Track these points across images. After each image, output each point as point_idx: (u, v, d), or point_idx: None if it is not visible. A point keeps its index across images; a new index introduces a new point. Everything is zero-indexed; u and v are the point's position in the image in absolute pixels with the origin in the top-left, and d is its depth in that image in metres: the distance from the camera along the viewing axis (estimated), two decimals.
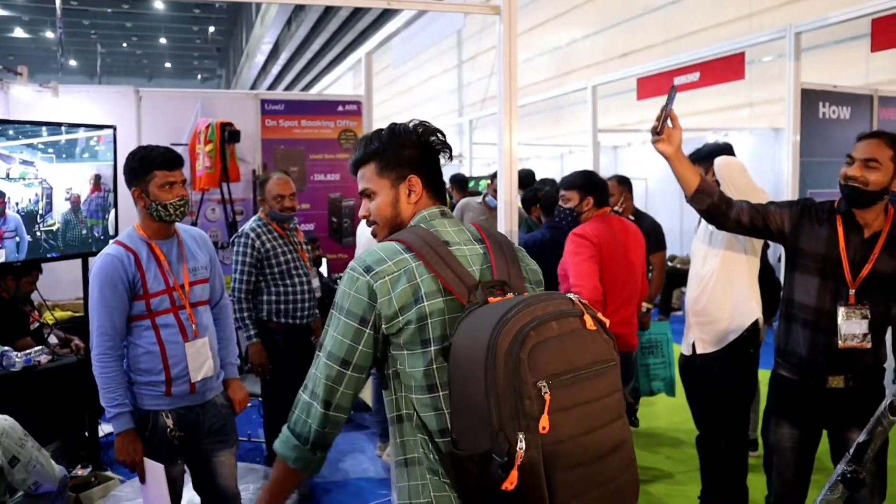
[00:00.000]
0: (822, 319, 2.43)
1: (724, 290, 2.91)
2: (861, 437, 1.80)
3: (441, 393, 1.48)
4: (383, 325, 1.50)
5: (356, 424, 4.91)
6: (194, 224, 5.62)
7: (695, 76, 7.23)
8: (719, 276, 2.92)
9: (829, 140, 5.74)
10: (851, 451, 1.80)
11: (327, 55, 23.79)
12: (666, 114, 2.47)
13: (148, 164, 2.45)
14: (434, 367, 1.48)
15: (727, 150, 3.16)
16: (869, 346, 2.39)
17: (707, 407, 3.07)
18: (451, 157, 1.72)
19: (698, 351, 2.97)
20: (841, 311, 2.40)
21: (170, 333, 2.47)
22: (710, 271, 2.94)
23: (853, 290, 2.38)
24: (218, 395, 2.64)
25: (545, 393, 1.26)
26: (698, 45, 10.63)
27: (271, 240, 3.73)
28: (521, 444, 1.24)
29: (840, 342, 2.40)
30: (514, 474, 1.24)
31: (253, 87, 29.17)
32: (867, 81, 7.61)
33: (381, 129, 1.68)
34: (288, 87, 28.67)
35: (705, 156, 3.07)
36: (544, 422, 1.25)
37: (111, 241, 2.54)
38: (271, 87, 28.70)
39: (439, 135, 1.68)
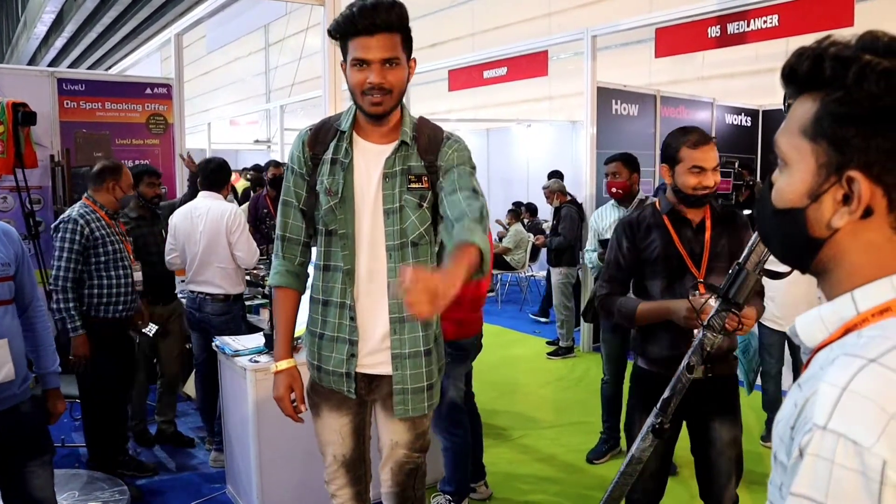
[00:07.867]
0: None
1: None
2: (666, 394, 2.11)
3: None
4: None
5: (181, 421, 4.75)
6: None
7: (503, 71, 7.69)
8: None
9: (622, 134, 6.38)
10: (658, 405, 2.11)
11: (121, 30, 22.01)
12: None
13: None
14: None
15: None
16: None
17: None
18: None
19: None
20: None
21: None
22: None
23: (701, 280, 2.35)
24: (24, 402, 2.35)
25: None
26: (502, 40, 11.25)
27: (100, 227, 3.56)
28: None
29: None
30: None
31: (32, 61, 26.27)
32: (649, 82, 8.50)
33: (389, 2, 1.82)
34: (74, 64, 26.16)
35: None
36: None
37: None
38: (54, 62, 25.96)
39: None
